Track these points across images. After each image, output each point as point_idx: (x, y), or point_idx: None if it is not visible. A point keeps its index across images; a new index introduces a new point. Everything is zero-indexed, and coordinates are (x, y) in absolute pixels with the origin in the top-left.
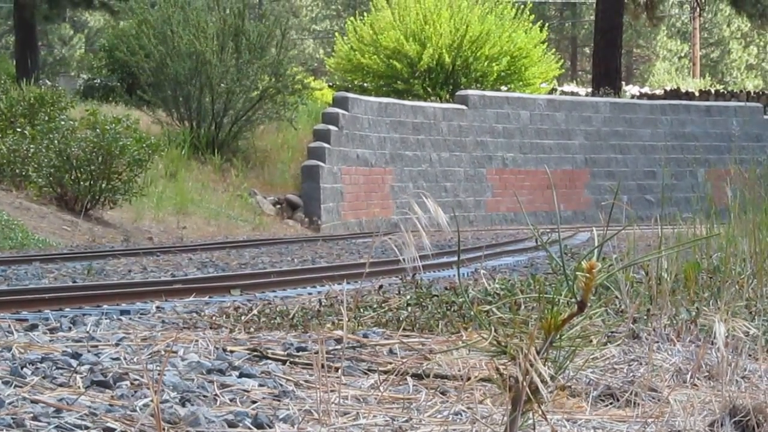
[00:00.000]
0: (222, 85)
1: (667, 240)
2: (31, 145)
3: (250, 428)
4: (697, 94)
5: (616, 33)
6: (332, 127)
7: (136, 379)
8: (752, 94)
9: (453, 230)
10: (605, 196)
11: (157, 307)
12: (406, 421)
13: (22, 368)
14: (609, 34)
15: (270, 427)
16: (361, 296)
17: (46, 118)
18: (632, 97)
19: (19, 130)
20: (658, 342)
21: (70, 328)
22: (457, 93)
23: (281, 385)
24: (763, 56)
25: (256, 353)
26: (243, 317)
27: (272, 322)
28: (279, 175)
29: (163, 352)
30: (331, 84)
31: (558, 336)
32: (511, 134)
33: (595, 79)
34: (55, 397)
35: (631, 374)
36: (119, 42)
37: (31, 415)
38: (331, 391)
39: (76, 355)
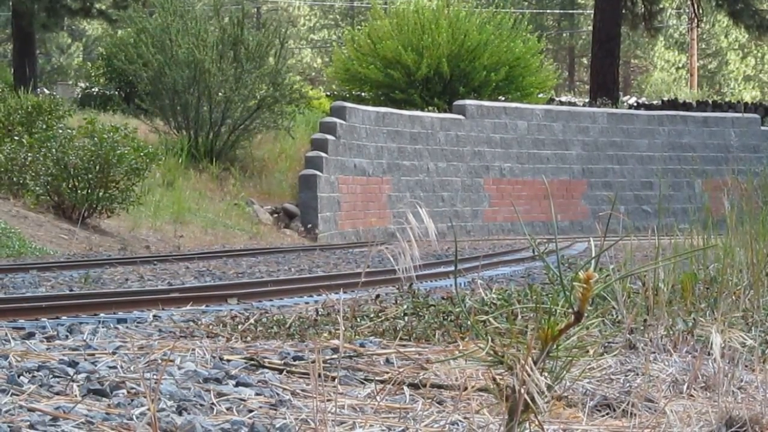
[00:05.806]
0: (220, 93)
1: (664, 251)
2: (29, 154)
3: None
4: (694, 104)
5: (613, 43)
6: (330, 137)
7: (132, 388)
8: (749, 105)
9: (449, 240)
10: (602, 207)
11: (154, 316)
12: (403, 431)
13: (18, 376)
14: (607, 45)
15: None
16: (358, 306)
17: (44, 127)
18: (629, 107)
19: (16, 138)
20: (654, 352)
21: (66, 336)
22: (454, 103)
23: (278, 394)
24: (760, 67)
25: (252, 362)
26: (240, 326)
27: (269, 331)
28: (276, 185)
29: (159, 361)
30: (328, 93)
31: (555, 346)
32: (508, 144)
33: (593, 90)
34: (52, 406)
35: (628, 385)
36: (117, 50)
37: (28, 423)
38: (328, 400)
39: (72, 364)
